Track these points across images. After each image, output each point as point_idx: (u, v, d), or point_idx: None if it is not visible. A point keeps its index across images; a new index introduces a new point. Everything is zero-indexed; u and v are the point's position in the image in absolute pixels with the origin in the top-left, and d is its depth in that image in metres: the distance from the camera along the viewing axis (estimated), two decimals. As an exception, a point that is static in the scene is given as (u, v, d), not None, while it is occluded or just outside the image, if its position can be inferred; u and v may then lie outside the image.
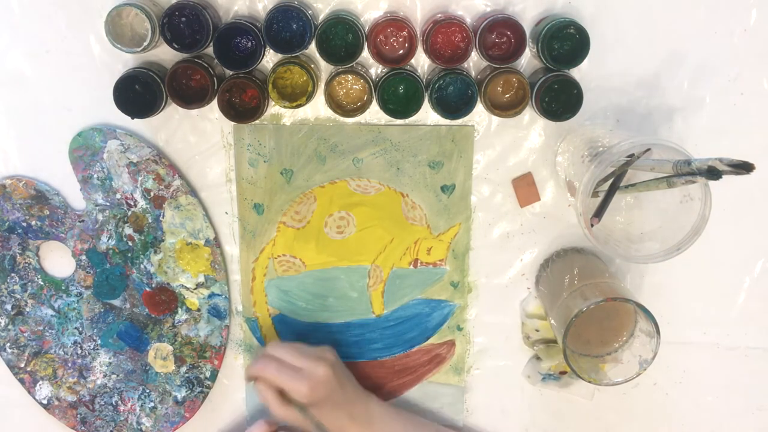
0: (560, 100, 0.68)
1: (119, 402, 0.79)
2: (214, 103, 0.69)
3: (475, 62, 0.72)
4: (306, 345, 0.70)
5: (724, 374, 0.79)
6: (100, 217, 0.75)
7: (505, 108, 0.70)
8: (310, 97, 0.69)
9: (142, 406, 0.79)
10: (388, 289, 0.77)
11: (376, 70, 0.72)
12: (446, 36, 0.68)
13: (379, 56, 0.69)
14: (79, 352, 0.78)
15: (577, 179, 0.66)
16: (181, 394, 0.79)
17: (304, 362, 0.67)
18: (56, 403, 0.79)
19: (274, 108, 0.73)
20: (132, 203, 0.74)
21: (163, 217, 0.75)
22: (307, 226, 0.76)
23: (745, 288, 0.77)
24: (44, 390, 0.78)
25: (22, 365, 0.78)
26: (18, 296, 0.76)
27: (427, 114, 0.73)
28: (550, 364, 0.78)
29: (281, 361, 0.67)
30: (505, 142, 0.74)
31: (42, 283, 0.77)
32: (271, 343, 0.70)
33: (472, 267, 0.77)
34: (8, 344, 0.77)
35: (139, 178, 0.74)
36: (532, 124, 0.73)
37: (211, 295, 0.77)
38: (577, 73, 0.70)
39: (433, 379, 0.80)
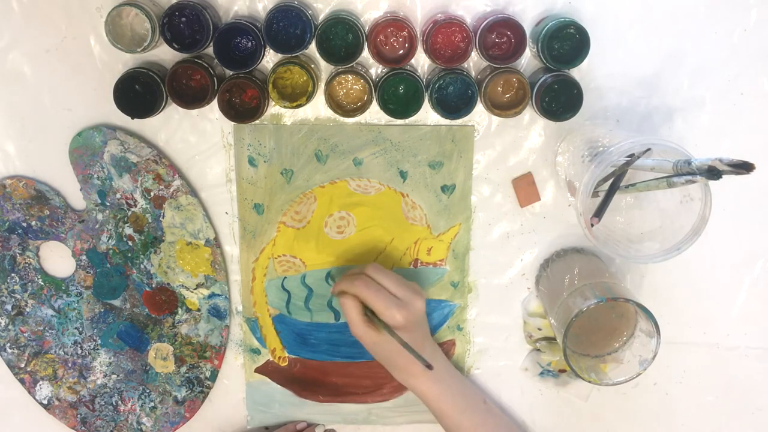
0: (560, 100, 0.68)
1: (119, 402, 0.79)
2: (214, 103, 0.69)
3: (475, 62, 0.72)
4: (399, 277, 0.69)
5: (724, 374, 0.79)
6: (100, 217, 0.75)
7: (505, 108, 0.70)
8: (310, 97, 0.69)
9: (142, 406, 0.79)
10: (388, 289, 0.77)
11: (376, 70, 0.72)
12: (446, 36, 0.68)
13: (379, 56, 0.69)
14: (79, 352, 0.78)
15: (577, 179, 0.66)
16: (181, 394, 0.79)
17: (404, 292, 0.67)
18: (56, 403, 0.79)
19: (274, 108, 0.73)
20: (132, 203, 0.74)
21: (163, 217, 0.75)
22: (307, 226, 0.76)
23: (745, 288, 0.77)
24: (44, 390, 0.79)
25: (22, 365, 0.78)
26: (18, 296, 0.76)
27: (427, 114, 0.73)
28: (551, 358, 0.78)
29: (381, 286, 0.67)
30: (505, 142, 0.74)
31: (42, 283, 0.77)
32: (372, 265, 0.69)
33: (472, 267, 0.77)
34: (8, 344, 0.77)
35: (139, 178, 0.74)
36: (532, 124, 0.73)
37: (211, 295, 0.77)
38: (577, 73, 0.70)
39: (433, 379, 0.80)
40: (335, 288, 0.70)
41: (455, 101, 0.69)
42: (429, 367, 0.63)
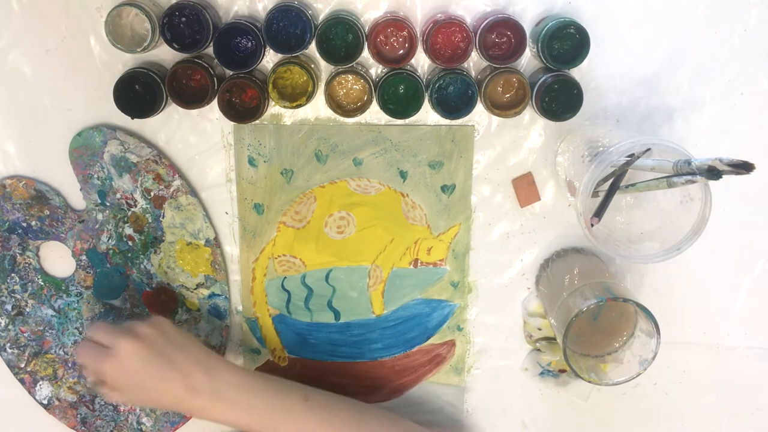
0: (560, 100, 0.68)
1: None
2: (214, 103, 0.69)
3: (475, 62, 0.72)
4: (128, 321, 0.64)
5: (724, 374, 0.79)
6: (100, 217, 0.75)
7: (505, 108, 0.70)
8: (310, 97, 0.69)
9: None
10: (388, 289, 0.77)
11: (376, 70, 0.72)
12: (446, 36, 0.68)
13: (379, 56, 0.69)
14: (79, 352, 0.78)
15: (577, 179, 0.66)
16: (181, 394, 0.79)
17: (111, 339, 0.61)
18: (56, 403, 0.79)
19: (274, 108, 0.73)
20: (132, 203, 0.74)
21: (163, 217, 0.75)
22: (307, 226, 0.76)
23: (745, 288, 0.77)
24: (44, 390, 0.78)
25: (23, 365, 0.78)
26: (18, 296, 0.76)
27: (427, 114, 0.73)
28: (551, 358, 0.78)
29: (91, 341, 0.62)
30: (505, 142, 0.74)
31: (42, 283, 0.77)
32: (91, 325, 0.64)
33: (472, 267, 0.77)
34: (8, 344, 0.77)
35: (139, 178, 0.74)
36: (532, 124, 0.73)
37: (211, 295, 0.77)
38: (577, 73, 0.70)
39: (433, 379, 0.80)
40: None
41: (455, 101, 0.69)
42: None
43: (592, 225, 0.62)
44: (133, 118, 0.69)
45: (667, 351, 0.70)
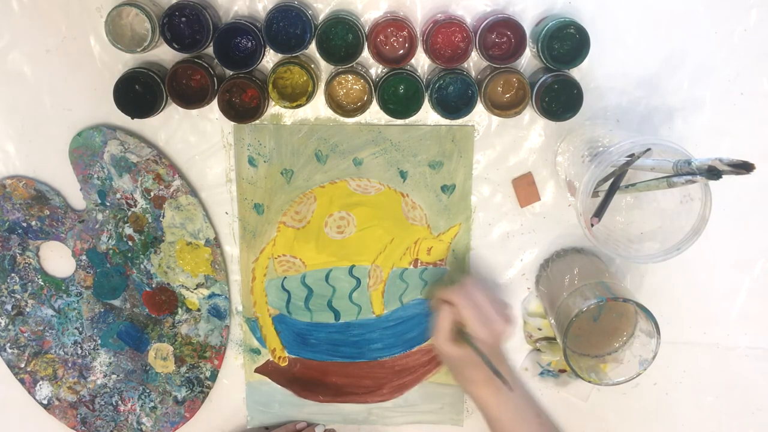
0: (560, 100, 0.68)
1: (119, 402, 0.79)
2: (214, 103, 0.69)
3: (475, 62, 0.72)
4: (496, 296, 0.73)
5: (724, 374, 0.79)
6: (100, 217, 0.75)
7: (505, 108, 0.70)
8: (310, 97, 0.69)
9: (142, 406, 0.79)
10: (388, 289, 0.77)
11: (376, 70, 0.72)
12: (446, 36, 0.68)
13: (379, 56, 0.69)
14: (79, 352, 0.78)
15: (577, 179, 0.66)
16: (181, 394, 0.79)
17: (495, 314, 0.70)
18: (56, 403, 0.79)
19: (274, 108, 0.73)
20: (132, 203, 0.74)
21: (163, 217, 0.75)
22: (307, 226, 0.76)
23: (745, 288, 0.77)
24: (44, 390, 0.79)
25: (22, 365, 0.78)
26: (18, 296, 0.76)
27: (427, 114, 0.73)
28: (551, 358, 0.78)
29: (479, 303, 0.70)
30: (505, 142, 0.74)
31: (42, 283, 0.77)
32: (472, 281, 0.72)
33: (472, 267, 0.77)
34: (8, 344, 0.77)
35: (139, 178, 0.74)
36: (532, 124, 0.73)
37: (211, 295, 0.77)
38: (577, 73, 0.70)
39: (433, 379, 0.80)
40: (435, 297, 0.72)
41: (455, 101, 0.69)
42: (507, 385, 0.66)
43: (592, 225, 0.62)
44: (133, 118, 0.69)
45: (667, 351, 0.70)
